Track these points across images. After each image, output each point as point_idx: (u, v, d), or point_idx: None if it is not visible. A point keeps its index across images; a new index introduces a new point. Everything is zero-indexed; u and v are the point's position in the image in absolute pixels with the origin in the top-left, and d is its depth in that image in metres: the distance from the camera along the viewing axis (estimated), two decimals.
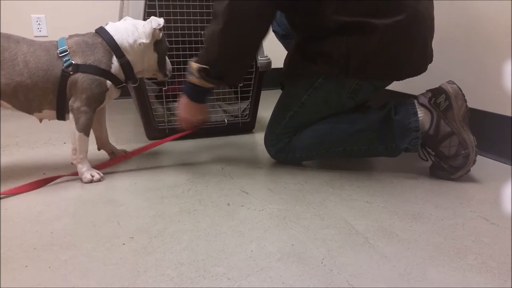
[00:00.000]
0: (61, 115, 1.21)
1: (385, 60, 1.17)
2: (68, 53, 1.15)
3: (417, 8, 1.15)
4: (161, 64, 1.29)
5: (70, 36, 1.19)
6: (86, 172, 1.19)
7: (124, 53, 1.20)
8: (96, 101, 1.18)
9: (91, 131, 1.22)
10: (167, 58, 1.31)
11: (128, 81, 1.25)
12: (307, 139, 1.29)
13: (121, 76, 1.22)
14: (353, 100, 1.26)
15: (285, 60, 1.36)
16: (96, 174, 1.20)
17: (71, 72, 1.14)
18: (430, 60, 1.27)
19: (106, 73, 1.17)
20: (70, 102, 1.16)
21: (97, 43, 1.18)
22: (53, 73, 1.14)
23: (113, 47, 1.19)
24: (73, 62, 1.14)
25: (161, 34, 1.25)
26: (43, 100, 1.17)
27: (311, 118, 1.29)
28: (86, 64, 1.15)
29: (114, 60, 1.19)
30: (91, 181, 1.18)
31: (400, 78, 1.24)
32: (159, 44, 1.26)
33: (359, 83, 1.22)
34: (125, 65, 1.21)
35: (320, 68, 1.21)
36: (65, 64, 1.14)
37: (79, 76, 1.14)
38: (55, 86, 1.15)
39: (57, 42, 1.18)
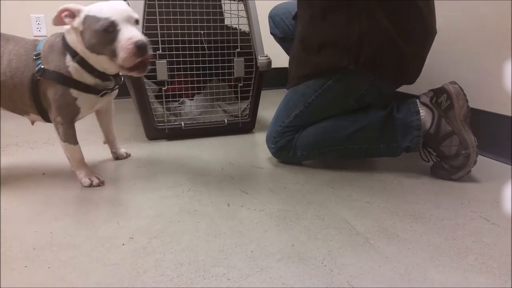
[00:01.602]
0: (48, 119, 1.15)
1: (395, 55, 1.16)
2: (40, 57, 1.06)
3: (427, 19, 1.18)
4: (102, 51, 1.00)
5: (49, 37, 1.11)
6: (85, 177, 1.16)
7: (77, 51, 1.04)
8: (67, 112, 1.08)
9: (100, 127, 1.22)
10: (122, 38, 0.97)
11: (106, 82, 1.09)
12: (309, 137, 1.28)
13: (91, 80, 1.07)
14: (358, 104, 1.26)
15: (290, 63, 1.35)
16: (95, 179, 1.16)
17: (38, 78, 1.05)
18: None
19: (67, 80, 1.04)
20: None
21: (56, 45, 1.06)
22: (27, 76, 1.06)
23: (66, 46, 1.05)
24: (42, 66, 1.04)
25: (78, 21, 1.00)
26: (24, 104, 1.11)
27: (315, 118, 1.29)
28: (49, 70, 1.04)
29: (68, 60, 1.04)
30: (90, 185, 1.15)
31: (408, 80, 1.24)
32: (84, 34, 1.00)
33: (367, 89, 1.22)
34: (81, 63, 1.04)
35: (327, 60, 1.19)
36: (36, 69, 1.05)
37: (47, 84, 1.06)
38: (30, 91, 1.08)
39: (39, 42, 1.11)
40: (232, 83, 1.74)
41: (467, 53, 1.50)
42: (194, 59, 1.60)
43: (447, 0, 1.53)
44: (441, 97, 1.21)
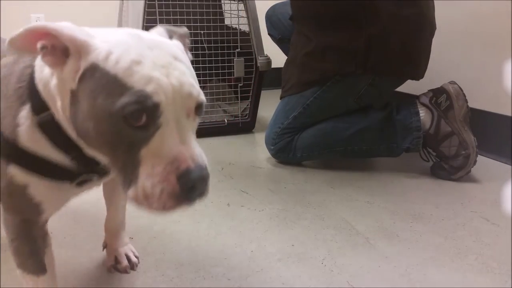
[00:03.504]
0: None
1: (403, 53, 1.16)
2: None
3: (424, 10, 1.19)
4: (105, 150, 0.48)
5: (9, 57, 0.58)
6: None
7: (48, 104, 0.50)
8: (19, 209, 0.56)
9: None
10: (163, 155, 0.44)
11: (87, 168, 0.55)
12: (308, 139, 1.28)
13: (59, 157, 0.52)
14: (357, 104, 1.26)
15: (284, 68, 1.34)
16: None
17: None
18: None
19: (8, 147, 0.51)
20: None
21: (13, 78, 0.53)
22: None
23: (30, 88, 0.51)
24: None
25: (71, 70, 0.45)
26: None
27: (314, 120, 1.29)
28: None
29: (24, 114, 0.51)
30: None
31: (417, 76, 1.23)
32: (78, 97, 0.46)
33: (367, 89, 1.21)
34: (48, 126, 0.51)
35: (333, 65, 1.18)
36: None
37: None
38: None
39: None
40: (232, 83, 1.74)
41: (467, 53, 1.50)
42: (194, 59, 1.60)
43: (447, 0, 1.53)
44: (441, 98, 1.21)
